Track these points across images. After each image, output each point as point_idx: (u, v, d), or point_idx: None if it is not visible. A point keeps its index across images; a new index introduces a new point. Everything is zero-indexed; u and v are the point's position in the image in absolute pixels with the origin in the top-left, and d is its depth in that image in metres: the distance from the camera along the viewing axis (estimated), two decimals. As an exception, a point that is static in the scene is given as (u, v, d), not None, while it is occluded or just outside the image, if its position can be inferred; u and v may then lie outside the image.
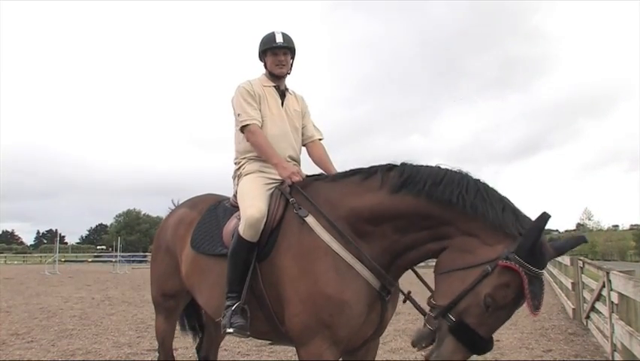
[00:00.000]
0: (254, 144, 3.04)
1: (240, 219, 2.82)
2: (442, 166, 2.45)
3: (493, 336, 2.26)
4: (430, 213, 2.35)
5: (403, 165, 2.53)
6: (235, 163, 3.20)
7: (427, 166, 2.49)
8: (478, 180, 2.36)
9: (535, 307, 2.13)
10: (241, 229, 2.70)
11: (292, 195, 2.77)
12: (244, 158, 3.12)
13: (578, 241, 2.35)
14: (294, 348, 2.67)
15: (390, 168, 2.56)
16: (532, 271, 2.09)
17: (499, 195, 2.32)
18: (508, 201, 2.31)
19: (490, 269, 2.14)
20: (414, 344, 2.29)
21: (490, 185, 2.36)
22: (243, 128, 3.06)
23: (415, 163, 2.52)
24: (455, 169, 2.42)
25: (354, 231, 2.53)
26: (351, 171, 2.75)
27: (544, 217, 2.08)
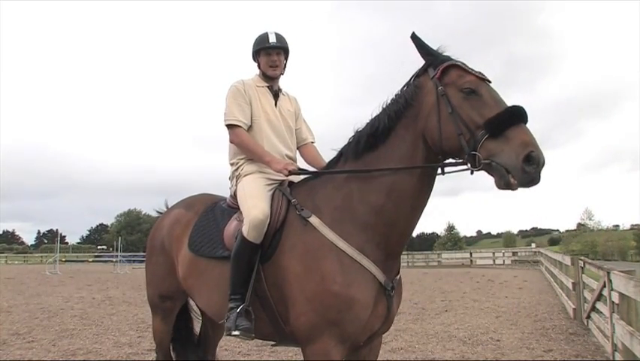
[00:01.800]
0: (239, 145, 3.04)
1: (240, 220, 2.82)
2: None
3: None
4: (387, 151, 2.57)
5: (355, 133, 2.73)
6: (232, 164, 3.17)
7: (366, 124, 2.70)
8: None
9: (483, 75, 2.38)
10: (245, 231, 2.69)
11: (293, 196, 2.78)
12: (242, 159, 3.09)
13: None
14: (295, 348, 2.67)
15: (348, 142, 2.75)
16: (454, 60, 2.42)
17: None
18: None
19: (441, 88, 2.38)
20: (508, 185, 2.16)
21: None
22: (227, 128, 3.06)
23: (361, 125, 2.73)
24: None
25: (356, 223, 2.55)
26: (327, 163, 2.90)
27: (414, 35, 2.51)
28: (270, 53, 3.12)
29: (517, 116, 2.19)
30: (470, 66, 2.42)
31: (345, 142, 2.77)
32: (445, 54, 2.50)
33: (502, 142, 2.16)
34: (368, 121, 2.68)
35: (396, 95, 2.60)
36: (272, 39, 3.10)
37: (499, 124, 2.18)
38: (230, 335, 2.66)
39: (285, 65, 3.21)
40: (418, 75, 2.56)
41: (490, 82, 2.38)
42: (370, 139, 2.60)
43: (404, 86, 2.60)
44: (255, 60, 3.21)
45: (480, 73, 2.38)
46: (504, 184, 2.16)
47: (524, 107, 2.23)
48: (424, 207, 2.57)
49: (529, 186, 2.15)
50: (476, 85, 2.32)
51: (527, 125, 2.21)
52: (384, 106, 2.63)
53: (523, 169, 2.09)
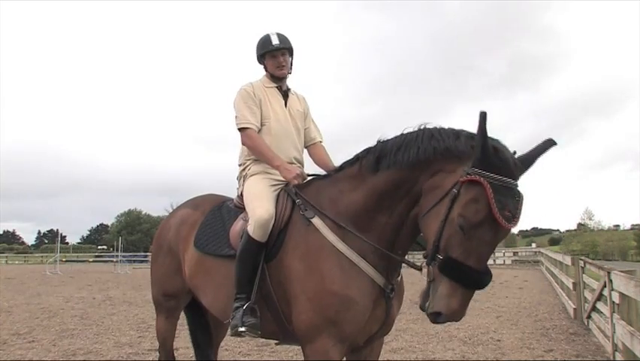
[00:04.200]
0: (251, 147, 3.05)
1: (246, 220, 2.84)
2: (406, 130, 2.49)
3: (489, 269, 2.18)
4: (400, 178, 2.43)
5: (377, 143, 2.59)
6: (239, 165, 3.20)
7: (395, 137, 2.53)
8: (437, 126, 2.38)
9: (507, 219, 2.02)
10: (250, 230, 2.72)
11: (298, 197, 2.79)
12: (249, 159, 3.12)
13: (546, 145, 2.23)
14: (296, 348, 2.68)
15: (368, 150, 2.63)
16: (495, 178, 2.04)
17: (457, 129, 2.32)
18: (465, 131, 2.29)
19: (456, 191, 2.13)
20: (422, 307, 2.21)
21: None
22: (239, 131, 3.07)
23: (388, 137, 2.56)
24: (416, 128, 2.45)
25: (358, 227, 2.56)
26: (340, 165, 2.83)
27: (482, 116, 2.03)
28: (276, 55, 3.13)
29: (466, 281, 2.10)
30: (503, 177, 2.05)
31: (361, 143, 2.72)
32: (499, 154, 2.11)
33: (438, 282, 2.13)
34: (397, 138, 2.51)
35: (435, 134, 2.34)
36: (275, 41, 3.12)
37: (449, 272, 2.10)
38: (236, 332, 2.68)
39: (292, 63, 3.23)
40: (462, 147, 2.23)
41: (504, 226, 2.03)
42: (391, 161, 2.47)
43: (451, 135, 2.29)
44: (260, 63, 3.23)
45: (501, 209, 2.01)
46: (427, 311, 2.17)
47: (489, 278, 2.14)
48: None
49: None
50: (476, 225, 2.05)
51: (476, 290, 2.15)
52: (421, 130, 2.41)
53: (429, 315, 2.16)
